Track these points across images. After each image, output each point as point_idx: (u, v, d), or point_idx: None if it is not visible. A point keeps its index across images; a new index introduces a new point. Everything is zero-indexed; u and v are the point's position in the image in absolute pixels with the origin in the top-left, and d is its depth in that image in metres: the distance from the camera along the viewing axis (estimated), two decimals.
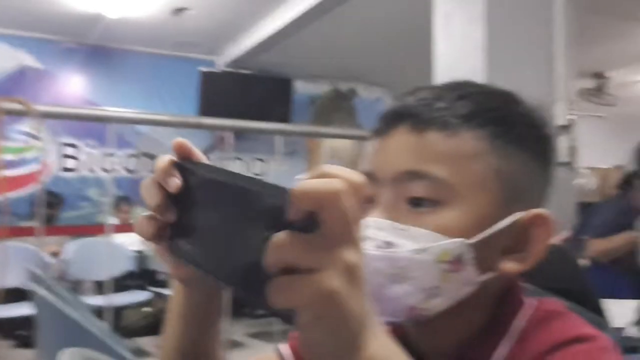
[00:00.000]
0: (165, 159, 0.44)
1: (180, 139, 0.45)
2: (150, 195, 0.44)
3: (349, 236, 0.34)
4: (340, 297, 0.34)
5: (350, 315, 0.34)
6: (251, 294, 0.38)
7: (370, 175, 0.55)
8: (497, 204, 0.53)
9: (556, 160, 0.60)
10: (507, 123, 0.55)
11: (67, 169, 5.33)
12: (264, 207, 0.35)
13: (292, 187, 0.33)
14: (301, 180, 0.34)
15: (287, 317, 0.36)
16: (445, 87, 0.58)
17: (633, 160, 2.16)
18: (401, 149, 0.54)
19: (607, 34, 4.81)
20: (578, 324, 0.54)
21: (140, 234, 0.46)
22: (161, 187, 0.44)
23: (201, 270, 0.44)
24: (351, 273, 0.34)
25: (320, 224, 0.33)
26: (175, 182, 0.43)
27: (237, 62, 5.68)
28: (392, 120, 0.56)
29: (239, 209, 0.38)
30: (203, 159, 0.45)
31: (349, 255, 0.34)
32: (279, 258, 0.33)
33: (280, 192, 0.34)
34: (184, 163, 0.44)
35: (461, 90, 0.56)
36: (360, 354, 0.35)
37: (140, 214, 0.47)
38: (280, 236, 0.33)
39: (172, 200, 0.44)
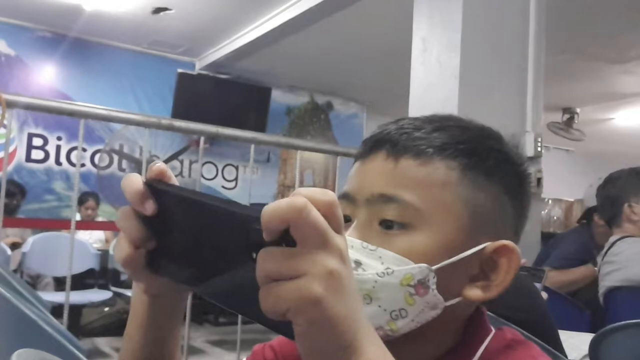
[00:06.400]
0: (137, 181, 0.45)
1: (161, 166, 0.46)
2: (130, 226, 0.45)
3: (324, 244, 0.37)
4: (324, 300, 0.36)
5: (338, 318, 0.37)
6: (240, 308, 0.40)
7: (348, 197, 0.59)
8: (464, 232, 0.55)
9: (531, 197, 0.62)
10: (479, 156, 0.57)
11: (33, 160, 5.21)
12: (246, 228, 0.37)
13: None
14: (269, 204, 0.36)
15: (282, 329, 0.38)
16: (426, 119, 0.61)
17: (595, 196, 2.21)
18: (377, 173, 0.58)
19: (579, 72, 4.96)
20: (537, 354, 0.56)
21: (123, 263, 0.47)
22: (139, 217, 0.45)
23: (188, 288, 0.44)
24: (332, 278, 0.37)
25: (296, 239, 0.36)
26: (151, 206, 0.45)
27: (215, 67, 5.67)
28: (373, 146, 0.60)
29: (221, 228, 0.39)
30: (174, 181, 0.46)
31: (327, 261, 0.37)
32: (264, 272, 0.36)
33: (258, 214, 0.36)
34: (155, 184, 0.45)
35: (440, 123, 0.60)
36: (358, 358, 0.37)
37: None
38: (263, 252, 0.36)
39: (147, 221, 0.45)
